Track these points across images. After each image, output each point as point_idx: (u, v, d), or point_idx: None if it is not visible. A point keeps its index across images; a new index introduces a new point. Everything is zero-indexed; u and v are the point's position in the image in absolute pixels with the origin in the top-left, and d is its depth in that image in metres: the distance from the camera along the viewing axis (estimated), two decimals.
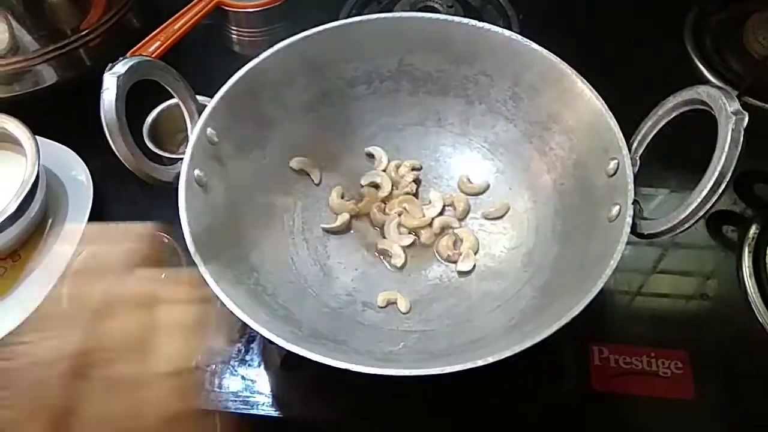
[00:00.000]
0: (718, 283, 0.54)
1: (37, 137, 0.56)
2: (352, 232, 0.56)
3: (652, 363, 0.49)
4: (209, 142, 0.48)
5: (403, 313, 0.50)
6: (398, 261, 0.53)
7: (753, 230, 0.55)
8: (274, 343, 0.38)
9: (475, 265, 0.53)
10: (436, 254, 0.54)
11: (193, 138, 0.46)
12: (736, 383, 0.49)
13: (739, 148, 0.38)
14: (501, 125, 0.56)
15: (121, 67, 0.41)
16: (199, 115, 0.48)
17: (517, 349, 0.37)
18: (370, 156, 0.59)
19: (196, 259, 0.41)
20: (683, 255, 0.56)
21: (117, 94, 0.41)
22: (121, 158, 0.42)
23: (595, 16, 0.73)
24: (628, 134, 0.46)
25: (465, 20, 0.52)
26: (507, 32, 0.51)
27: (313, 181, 0.57)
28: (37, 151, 0.55)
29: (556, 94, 0.51)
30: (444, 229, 0.55)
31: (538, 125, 0.53)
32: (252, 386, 0.49)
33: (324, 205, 0.57)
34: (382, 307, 0.51)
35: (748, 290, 0.52)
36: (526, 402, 0.49)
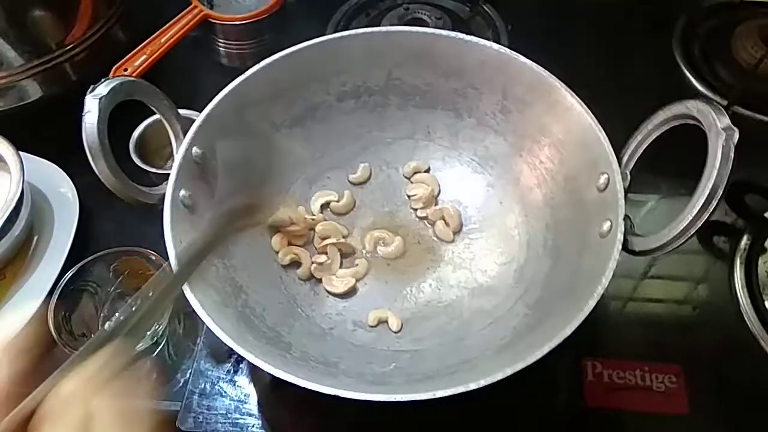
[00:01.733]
0: (710, 295, 0.54)
1: (22, 153, 0.55)
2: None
3: (645, 377, 0.49)
4: (194, 162, 0.47)
5: (395, 332, 0.50)
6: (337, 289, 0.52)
7: (744, 241, 0.55)
8: None
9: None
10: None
11: (177, 159, 0.46)
12: (730, 397, 0.48)
13: (730, 164, 0.38)
14: (491, 138, 0.55)
15: (103, 88, 0.41)
16: (184, 134, 0.47)
17: (509, 371, 0.36)
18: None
19: None
20: (674, 266, 0.56)
21: (99, 117, 0.40)
22: (103, 181, 0.42)
23: (584, 28, 0.73)
24: (619, 146, 0.45)
25: (453, 34, 0.52)
26: (495, 45, 0.51)
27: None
28: (22, 167, 0.54)
29: (545, 107, 0.50)
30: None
31: (527, 138, 0.53)
32: (241, 407, 0.48)
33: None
34: (372, 326, 0.50)
35: (741, 302, 0.52)
36: (520, 418, 0.48)
